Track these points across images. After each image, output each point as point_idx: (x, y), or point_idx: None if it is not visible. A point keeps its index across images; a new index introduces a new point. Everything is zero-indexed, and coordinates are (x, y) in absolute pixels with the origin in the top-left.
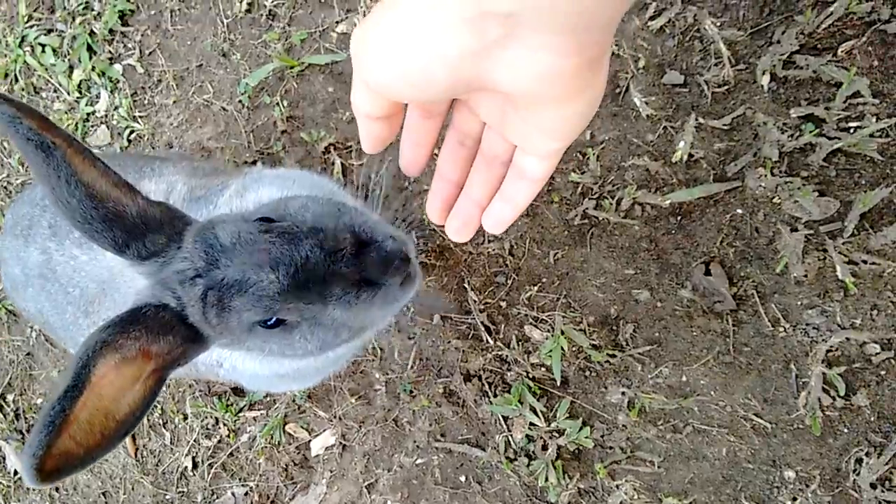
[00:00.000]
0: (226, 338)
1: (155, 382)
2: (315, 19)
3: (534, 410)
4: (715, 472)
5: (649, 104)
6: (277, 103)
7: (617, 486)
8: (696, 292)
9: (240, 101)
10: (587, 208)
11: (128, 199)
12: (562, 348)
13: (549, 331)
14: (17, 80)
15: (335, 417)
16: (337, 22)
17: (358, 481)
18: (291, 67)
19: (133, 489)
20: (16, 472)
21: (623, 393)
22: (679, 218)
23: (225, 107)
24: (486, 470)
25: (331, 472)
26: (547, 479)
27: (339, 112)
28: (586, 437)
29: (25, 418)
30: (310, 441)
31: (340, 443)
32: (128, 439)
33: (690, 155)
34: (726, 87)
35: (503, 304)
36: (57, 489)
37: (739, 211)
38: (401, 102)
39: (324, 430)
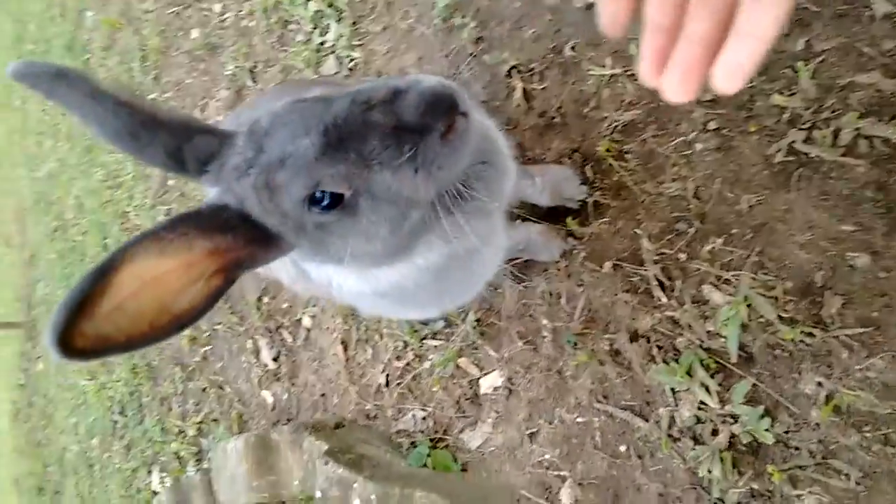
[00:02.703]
0: (294, 232)
1: (220, 283)
2: None
3: (705, 388)
4: None
5: None
6: (466, 24)
7: (799, 497)
8: None
9: (434, 24)
10: (794, 141)
11: (155, 106)
12: (743, 318)
13: (732, 294)
14: (269, 17)
15: (503, 359)
16: None
17: (521, 428)
18: None
19: (342, 395)
20: (266, 365)
21: (820, 383)
22: None
23: (425, 31)
24: (648, 444)
25: (497, 413)
26: (710, 471)
27: (525, 29)
28: (766, 430)
29: (274, 319)
30: (479, 378)
31: (507, 386)
32: (340, 349)
33: None
34: None
35: (682, 256)
36: (294, 384)
37: None
38: None
39: (493, 370)
